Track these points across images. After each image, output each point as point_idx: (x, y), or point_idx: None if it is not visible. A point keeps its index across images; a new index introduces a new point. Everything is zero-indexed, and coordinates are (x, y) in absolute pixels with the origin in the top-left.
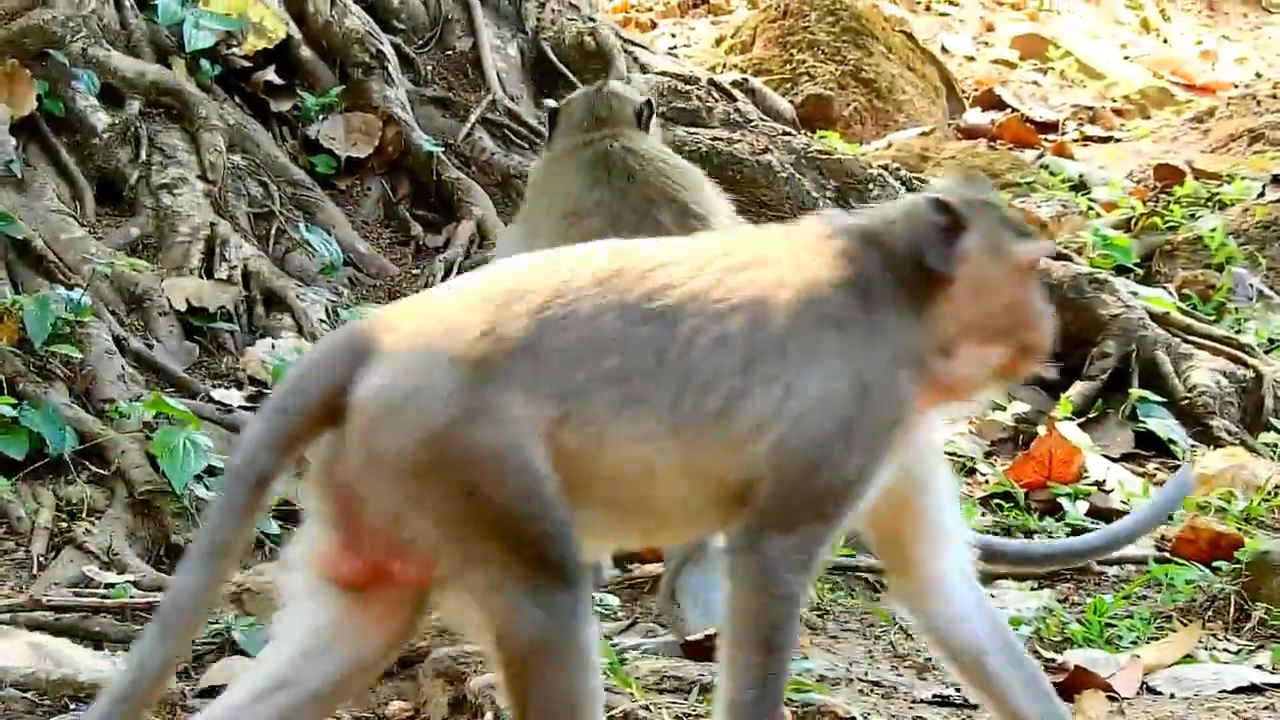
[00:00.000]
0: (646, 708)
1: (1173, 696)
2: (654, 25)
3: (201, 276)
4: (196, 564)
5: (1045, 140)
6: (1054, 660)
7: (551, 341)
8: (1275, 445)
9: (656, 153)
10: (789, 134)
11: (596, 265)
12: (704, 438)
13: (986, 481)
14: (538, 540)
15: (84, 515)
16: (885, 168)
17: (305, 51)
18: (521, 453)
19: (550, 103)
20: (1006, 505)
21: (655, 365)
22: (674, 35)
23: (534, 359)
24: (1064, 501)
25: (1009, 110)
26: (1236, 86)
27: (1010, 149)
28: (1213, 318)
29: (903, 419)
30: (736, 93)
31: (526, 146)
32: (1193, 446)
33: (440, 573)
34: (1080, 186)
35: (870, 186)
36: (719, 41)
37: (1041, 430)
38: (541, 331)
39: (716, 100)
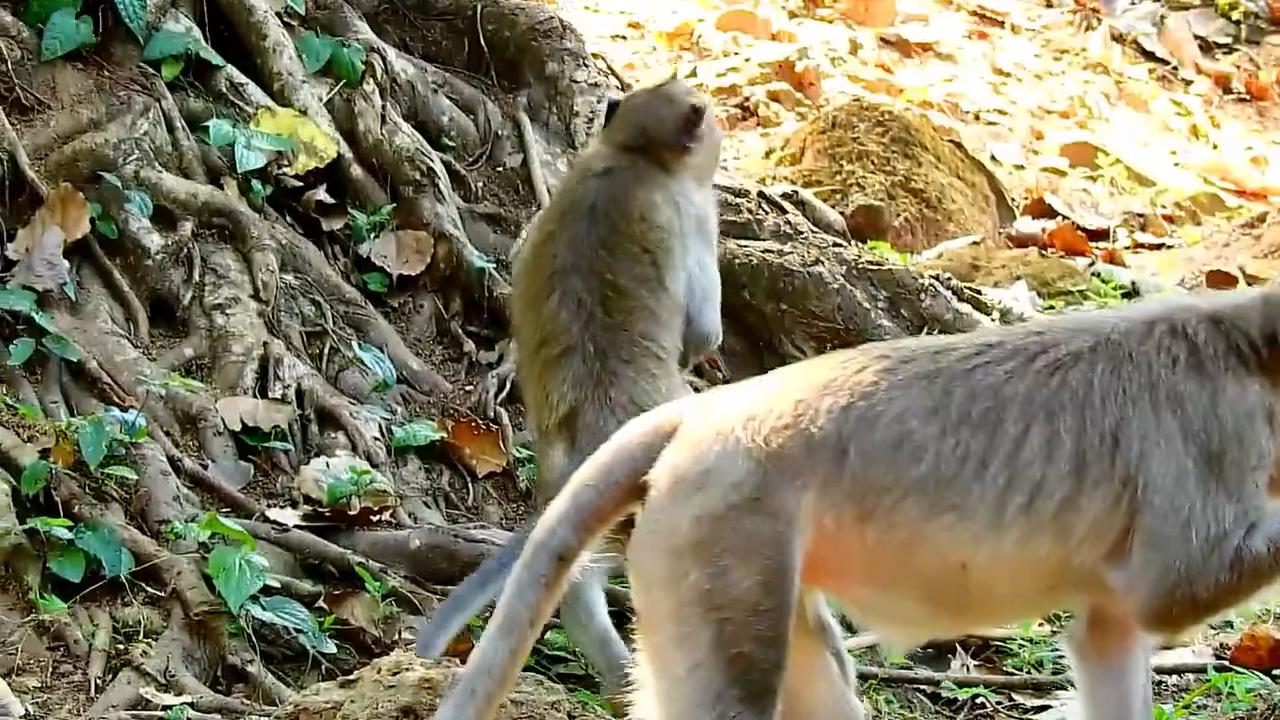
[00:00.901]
0: None
1: None
2: None
3: (255, 396)
4: (500, 634)
5: (1097, 248)
6: None
7: (858, 440)
8: None
9: (640, 208)
10: (840, 245)
11: (909, 365)
12: (1037, 537)
13: None
14: (756, 646)
15: (140, 637)
16: (937, 277)
17: (356, 170)
18: (783, 552)
19: (614, 95)
20: None
21: (976, 470)
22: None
23: (836, 456)
24: None
25: (1060, 218)
26: None
27: (1062, 256)
28: None
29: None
30: (787, 205)
31: None
32: None
33: (653, 638)
34: (1133, 293)
35: (922, 296)
36: (768, 153)
37: None
38: (847, 430)
39: (767, 212)
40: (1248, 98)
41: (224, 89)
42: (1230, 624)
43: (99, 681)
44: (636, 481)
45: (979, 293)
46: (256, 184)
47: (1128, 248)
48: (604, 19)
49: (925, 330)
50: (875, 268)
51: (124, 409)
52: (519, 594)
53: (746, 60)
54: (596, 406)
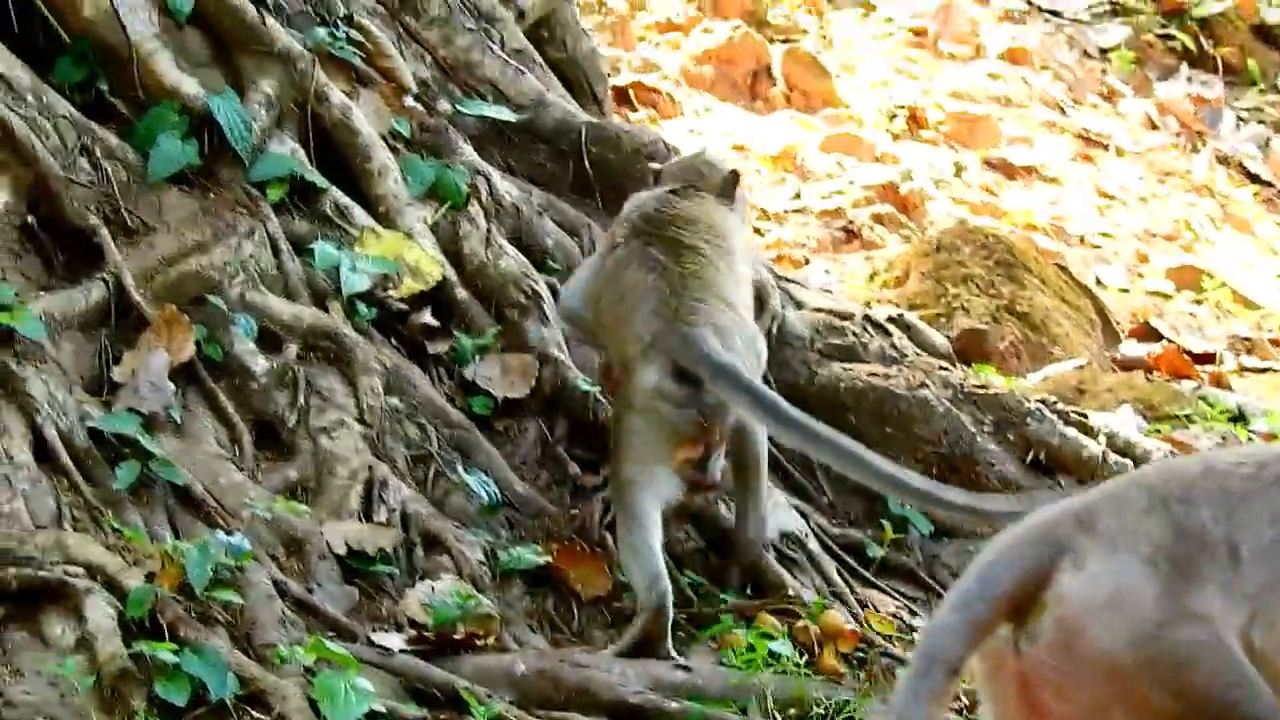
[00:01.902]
0: None
1: None
2: (807, 262)
3: (360, 519)
4: None
5: (1203, 371)
6: None
7: (1242, 543)
8: None
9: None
10: (945, 369)
11: (1268, 470)
12: None
13: None
14: None
15: None
16: (1043, 401)
17: (461, 293)
18: (1229, 650)
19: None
20: None
21: None
22: (827, 271)
23: (1226, 559)
24: None
25: (1165, 341)
26: None
27: (1167, 381)
28: None
29: None
30: (891, 328)
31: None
32: None
33: None
34: (1239, 418)
35: (1028, 421)
36: (872, 276)
37: None
38: (1228, 531)
39: (871, 335)
40: None
41: (329, 211)
42: None
43: None
44: (1024, 593)
45: (1085, 417)
46: (361, 307)
47: (1234, 371)
48: (708, 141)
49: (1031, 455)
50: (981, 392)
51: (229, 532)
52: (914, 705)
53: (850, 183)
54: (683, 330)
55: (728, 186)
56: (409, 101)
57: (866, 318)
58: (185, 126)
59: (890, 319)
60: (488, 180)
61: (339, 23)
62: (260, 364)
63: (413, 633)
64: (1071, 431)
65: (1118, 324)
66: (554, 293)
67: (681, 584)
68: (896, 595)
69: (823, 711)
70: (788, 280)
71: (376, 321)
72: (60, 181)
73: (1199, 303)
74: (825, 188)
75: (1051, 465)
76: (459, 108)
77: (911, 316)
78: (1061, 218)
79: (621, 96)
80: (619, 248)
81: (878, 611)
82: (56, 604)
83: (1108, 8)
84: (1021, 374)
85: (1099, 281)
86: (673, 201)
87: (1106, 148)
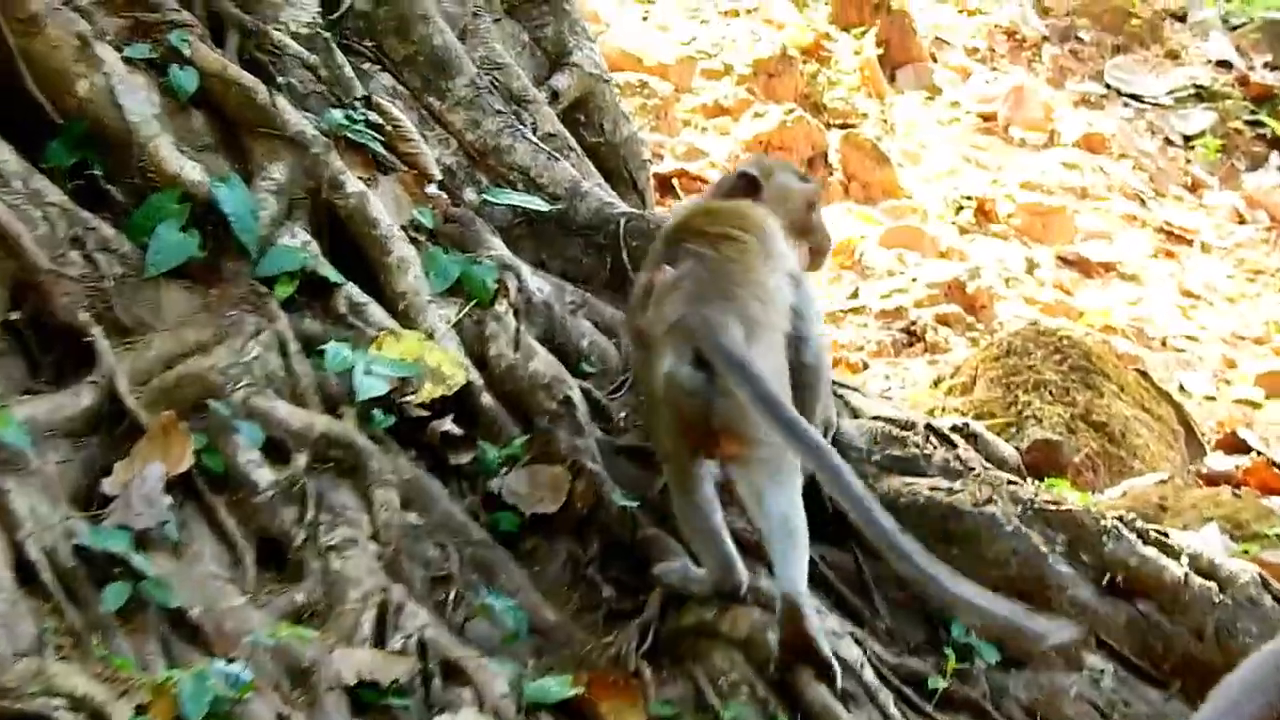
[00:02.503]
0: None
1: None
2: (866, 366)
3: (373, 647)
4: None
5: None
6: None
7: None
8: None
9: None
10: (1014, 483)
11: None
12: None
13: None
14: None
15: None
16: (1120, 519)
17: (486, 399)
18: None
19: None
20: None
21: None
22: (888, 377)
23: None
24: None
25: (1254, 454)
26: None
27: (1257, 496)
28: None
29: None
30: (956, 438)
31: (728, 499)
32: None
33: None
34: None
35: (1104, 540)
36: (937, 382)
37: None
38: None
39: (935, 446)
40: None
41: (343, 309)
42: None
43: None
44: None
45: (1166, 536)
46: (377, 414)
47: None
48: None
49: (1108, 577)
50: (1053, 508)
51: (228, 661)
52: None
53: (913, 280)
54: (706, 314)
55: (748, 187)
56: (432, 190)
57: (929, 427)
58: (187, 216)
59: (955, 429)
60: (517, 276)
61: (356, 104)
62: (265, 476)
63: None
64: (1151, 552)
65: (1203, 435)
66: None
67: (724, 716)
68: None
69: None
70: (844, 386)
71: (393, 430)
72: (49, 275)
73: None
74: (886, 286)
75: (1129, 589)
76: (486, 197)
77: (978, 426)
78: (1142, 319)
79: (664, 185)
80: (660, 253)
81: None
82: None
83: (1191, 93)
84: (1098, 489)
85: (1182, 388)
86: (708, 204)
87: (1191, 243)
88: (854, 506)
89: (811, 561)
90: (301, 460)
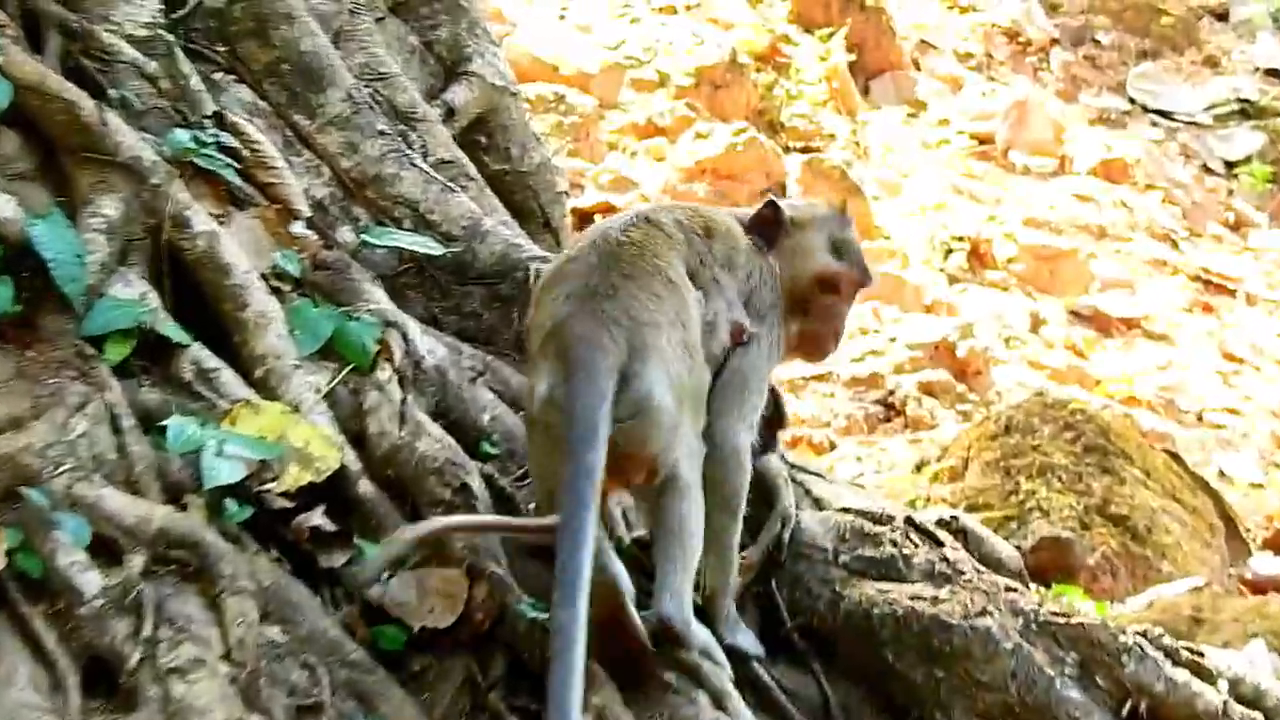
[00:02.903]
0: None
1: None
2: (833, 446)
3: None
4: None
5: None
6: None
7: None
8: None
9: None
10: (1014, 590)
11: None
12: None
13: None
14: None
15: None
16: (1144, 634)
17: (365, 486)
18: None
19: None
20: None
21: None
22: (860, 459)
23: None
24: None
25: None
26: None
27: None
28: None
29: None
30: (943, 535)
31: None
32: None
33: None
34: None
35: (1124, 659)
36: (919, 466)
37: None
38: None
39: (917, 545)
40: None
41: (189, 376)
42: None
43: None
44: None
45: (1201, 655)
46: (230, 505)
47: None
48: None
49: (1129, 706)
50: (1062, 621)
51: None
52: None
53: (891, 340)
54: (586, 317)
55: (762, 217)
56: (299, 229)
57: (910, 522)
58: None
59: (942, 523)
60: (403, 334)
61: (206, 123)
62: (92, 581)
63: None
64: (1183, 675)
65: (1247, 531)
66: None
67: None
68: None
69: None
70: (806, 471)
71: (251, 524)
72: None
73: None
74: (858, 347)
75: (1154, 717)
76: (366, 238)
77: (971, 520)
78: (1173, 388)
79: (585, 223)
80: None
81: None
82: None
83: (1235, 108)
84: (1118, 597)
85: (1223, 474)
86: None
87: (1233, 293)
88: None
89: (767, 687)
90: (137, 562)
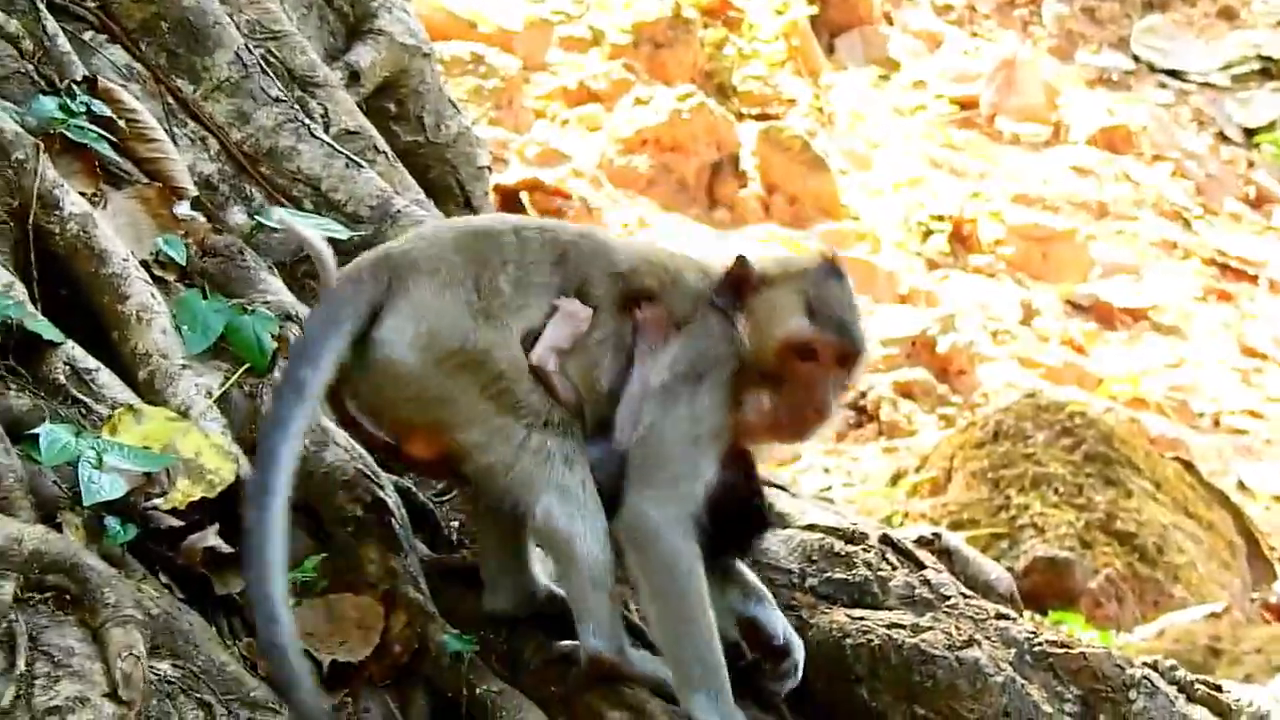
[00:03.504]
0: None
1: None
2: (797, 457)
3: None
4: None
5: None
6: None
7: None
8: None
9: None
10: (1006, 617)
11: None
12: None
13: None
14: None
15: None
16: (1154, 666)
17: None
18: None
19: None
20: None
21: None
22: (828, 470)
23: None
24: None
25: None
26: None
27: None
28: None
29: None
30: (924, 555)
31: None
32: None
33: None
34: None
35: (1132, 694)
36: (896, 478)
37: None
38: None
39: (894, 567)
40: None
41: (62, 378)
42: None
43: None
44: None
45: (1218, 689)
46: (113, 524)
47: None
48: None
49: None
50: (1061, 652)
51: None
52: None
53: None
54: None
55: (733, 277)
56: (184, 210)
57: (886, 541)
58: None
59: (923, 542)
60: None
61: (76, 89)
62: None
63: None
64: (1199, 712)
65: (1271, 549)
66: None
67: None
68: None
69: None
70: (767, 484)
71: (136, 546)
72: None
73: None
74: None
75: None
76: (260, 219)
77: (955, 539)
78: (1186, 387)
79: (509, 201)
80: None
81: None
82: None
83: (1255, 67)
84: (1125, 626)
85: (1242, 485)
86: None
87: (1255, 279)
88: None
89: None
90: (7, 589)
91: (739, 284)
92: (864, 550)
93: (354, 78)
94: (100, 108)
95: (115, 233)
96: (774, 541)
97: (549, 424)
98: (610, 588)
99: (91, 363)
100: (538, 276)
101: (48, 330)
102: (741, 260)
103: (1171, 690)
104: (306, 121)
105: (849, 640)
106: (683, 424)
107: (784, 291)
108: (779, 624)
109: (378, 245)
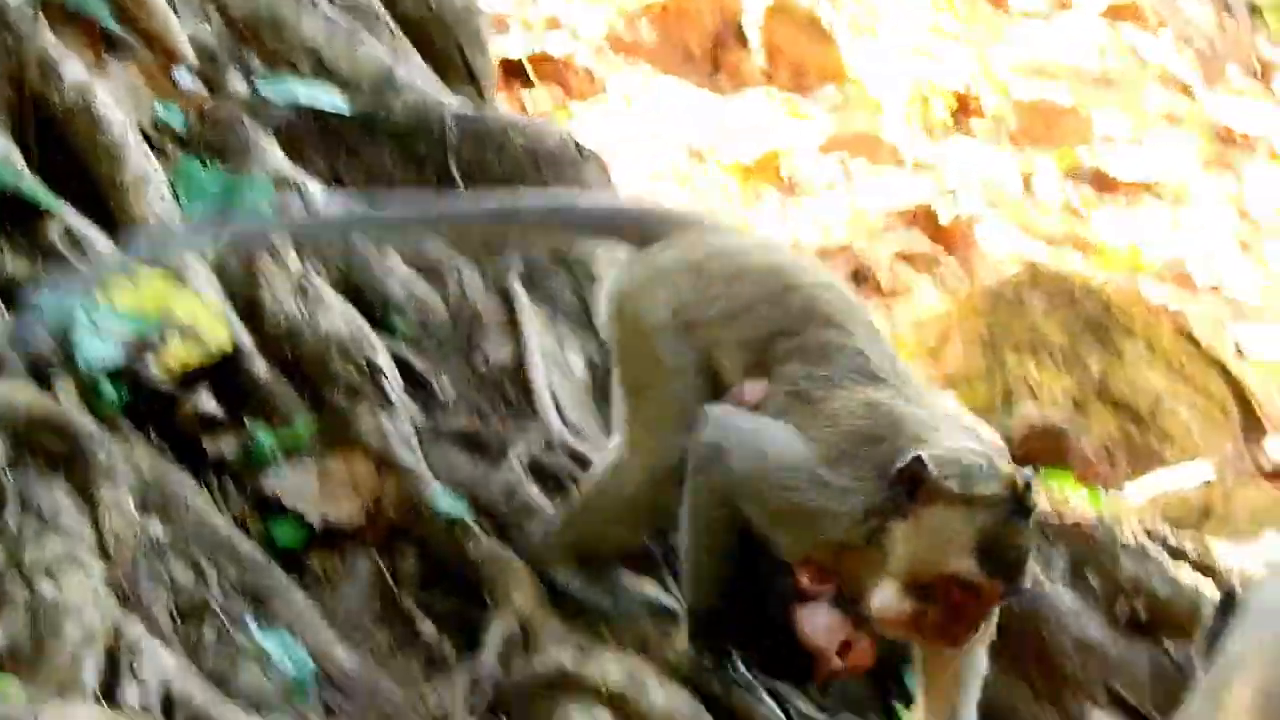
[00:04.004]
0: None
1: None
2: None
3: (99, 702)
4: None
5: None
6: None
7: None
8: None
9: None
10: None
11: None
12: None
13: None
14: None
15: None
16: (1148, 531)
17: (259, 367)
18: None
19: None
20: None
21: None
22: None
23: None
24: None
25: None
26: None
27: None
28: None
29: None
30: None
31: None
32: None
33: None
34: None
35: (1123, 559)
36: (893, 342)
37: None
38: None
39: None
40: None
41: (58, 243)
42: None
43: None
44: None
45: (1210, 552)
46: (107, 386)
47: None
48: (643, 145)
49: (1127, 609)
50: (1050, 515)
51: None
52: None
53: (864, 203)
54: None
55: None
56: (183, 78)
57: None
58: None
59: None
60: (303, 196)
61: None
62: None
63: None
64: (1188, 575)
65: (1266, 415)
66: None
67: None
68: None
69: None
70: None
71: (130, 408)
72: None
73: None
74: (825, 210)
75: (1155, 624)
76: (261, 89)
77: (951, 403)
78: (1185, 255)
79: (512, 72)
80: None
81: None
82: None
83: None
84: (1116, 487)
85: (1240, 351)
86: None
87: (1255, 149)
88: None
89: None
90: None
91: (913, 486)
92: None
93: None
94: None
95: (114, 101)
96: None
97: None
98: None
99: (88, 229)
100: None
101: (44, 196)
102: (919, 461)
103: (1162, 553)
104: None
105: None
106: None
107: (960, 517)
108: None
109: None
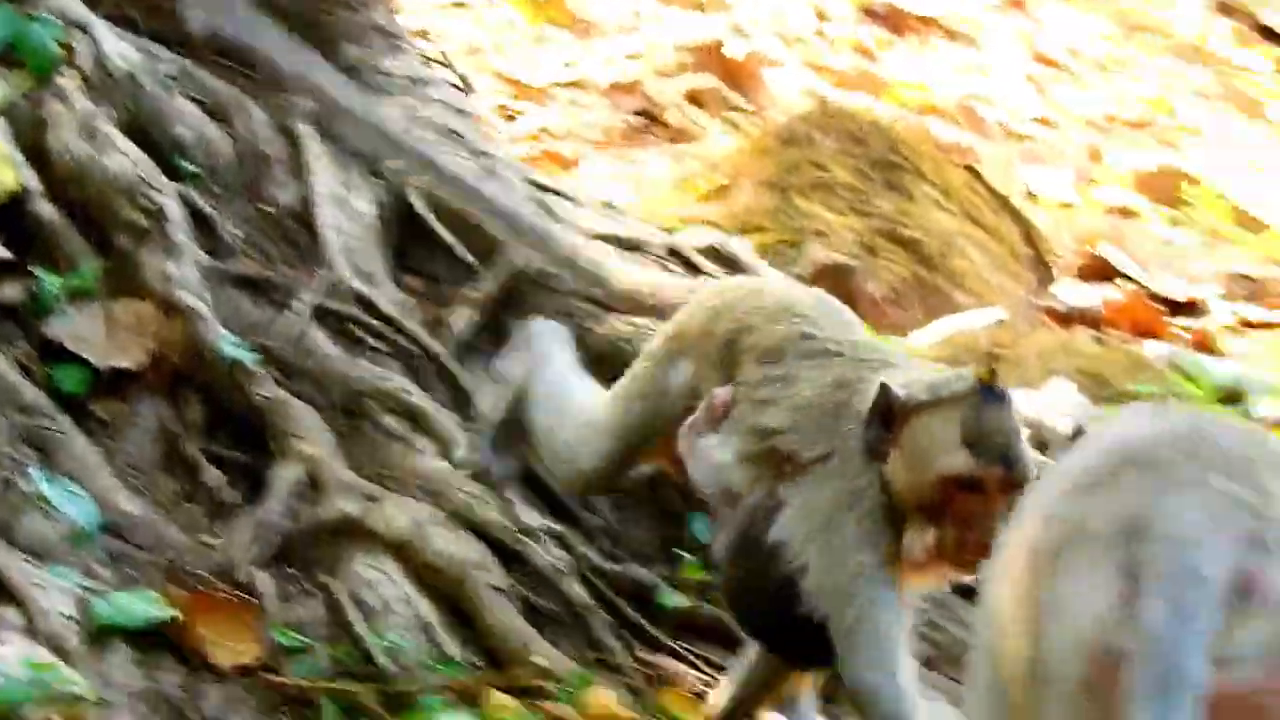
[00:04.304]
0: None
1: None
2: (578, 161)
3: None
4: None
5: (1181, 327)
6: None
7: None
8: None
9: None
10: None
11: None
12: None
13: None
14: None
15: None
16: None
17: (44, 208)
18: None
19: None
20: None
21: None
22: (613, 176)
23: None
24: None
25: (1124, 282)
26: None
27: (1127, 341)
28: None
29: None
30: (707, 264)
31: (384, 350)
32: None
33: None
34: (1232, 398)
35: None
36: (683, 185)
37: None
38: None
39: (679, 274)
40: None
41: None
42: None
43: None
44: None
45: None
46: None
47: (1229, 327)
48: None
49: None
50: None
51: None
52: None
53: (652, 41)
54: None
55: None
56: None
57: (670, 250)
58: None
59: (707, 250)
60: (90, 36)
61: None
62: None
63: None
64: None
65: (1056, 257)
66: None
67: (371, 644)
68: (700, 661)
69: None
70: (546, 190)
71: None
72: None
73: (1178, 224)
74: (614, 48)
75: None
76: None
77: (740, 245)
78: (976, 95)
79: None
80: None
81: (672, 685)
82: None
83: None
84: (905, 330)
85: (1030, 193)
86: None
87: None
88: None
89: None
90: None
91: (886, 416)
92: (645, 256)
93: None
94: None
95: None
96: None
97: None
98: None
99: None
100: None
101: None
102: (885, 390)
103: None
104: None
105: (629, 347)
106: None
107: (939, 420)
108: None
109: None
